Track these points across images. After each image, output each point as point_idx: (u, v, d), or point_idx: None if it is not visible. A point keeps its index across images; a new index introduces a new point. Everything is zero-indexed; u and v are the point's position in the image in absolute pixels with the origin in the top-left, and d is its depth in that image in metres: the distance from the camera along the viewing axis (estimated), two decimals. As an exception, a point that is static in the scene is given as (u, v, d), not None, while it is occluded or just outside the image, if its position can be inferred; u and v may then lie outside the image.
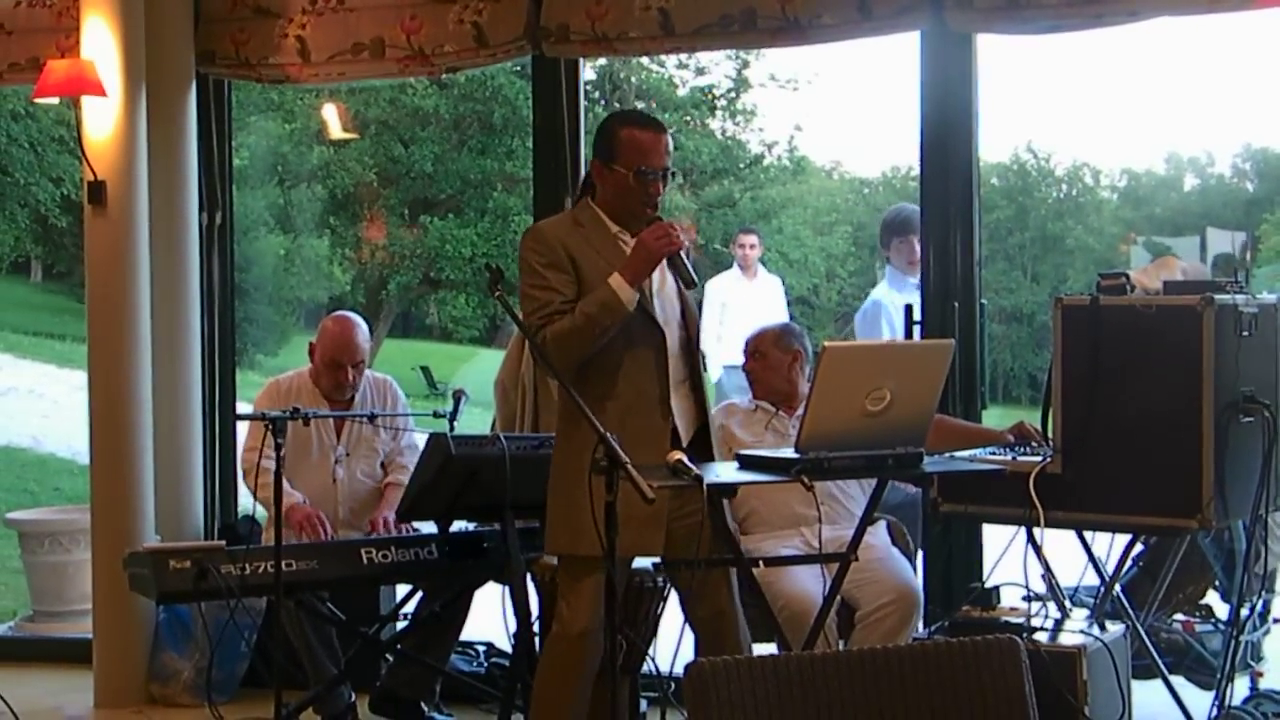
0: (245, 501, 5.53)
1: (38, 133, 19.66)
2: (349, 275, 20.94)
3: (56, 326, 19.46)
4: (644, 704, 4.85)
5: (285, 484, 4.77)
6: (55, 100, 5.30)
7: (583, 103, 5.28)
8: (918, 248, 5.20)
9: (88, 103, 5.13)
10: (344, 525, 4.94)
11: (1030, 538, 3.83)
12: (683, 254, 3.59)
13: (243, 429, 5.08)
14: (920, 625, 4.37)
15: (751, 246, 8.33)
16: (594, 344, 3.53)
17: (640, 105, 21.92)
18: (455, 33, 5.16)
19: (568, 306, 3.56)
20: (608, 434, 3.09)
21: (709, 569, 3.64)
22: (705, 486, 3.20)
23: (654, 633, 4.15)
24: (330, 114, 17.55)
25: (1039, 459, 3.80)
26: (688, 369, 3.73)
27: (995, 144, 25.12)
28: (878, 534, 4.50)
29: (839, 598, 3.95)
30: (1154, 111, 31.24)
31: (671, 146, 3.72)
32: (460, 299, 20.80)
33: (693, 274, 3.62)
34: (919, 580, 4.51)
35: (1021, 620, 3.75)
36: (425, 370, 18.37)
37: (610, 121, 3.76)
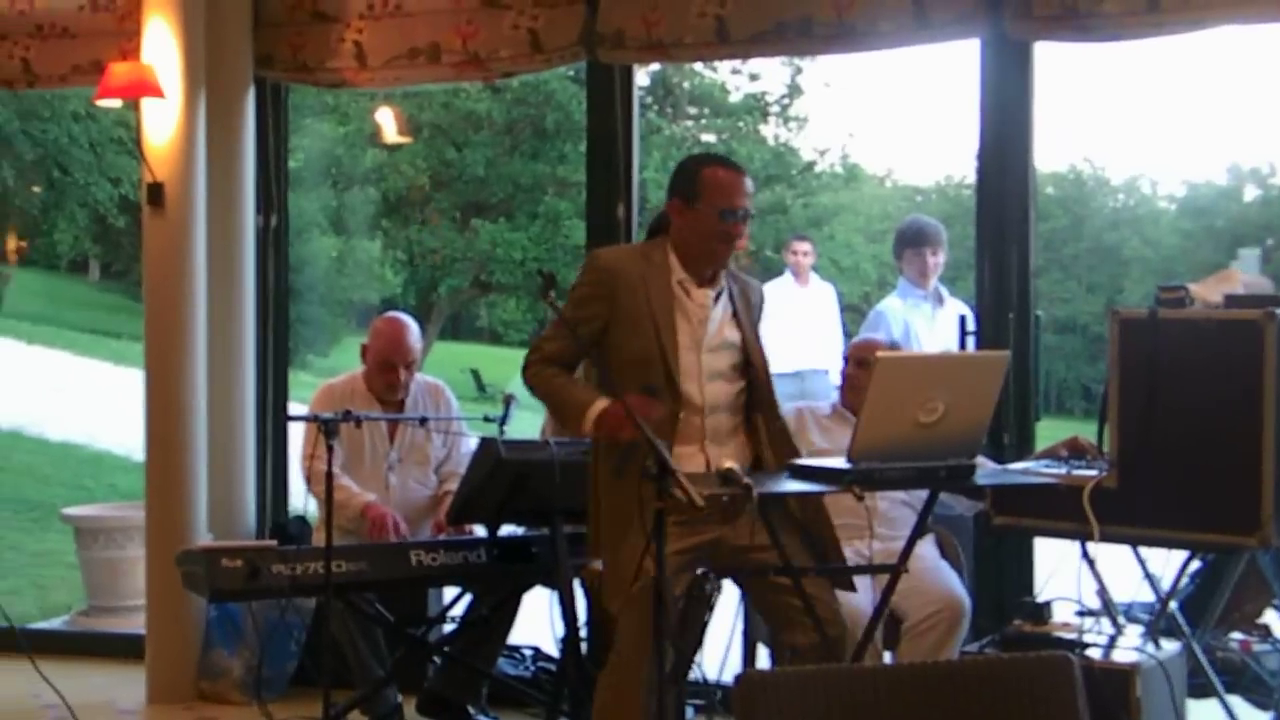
0: (296, 501, 5.57)
1: (97, 134, 19.95)
2: (400, 277, 21.07)
3: (113, 325, 19.73)
4: (690, 711, 4.84)
5: (353, 484, 4.80)
6: (116, 103, 5.35)
7: (636, 108, 5.27)
8: (929, 260, 5.47)
9: (148, 105, 5.19)
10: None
11: (1084, 552, 3.79)
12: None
13: (297, 436, 5.09)
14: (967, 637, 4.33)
15: (805, 253, 8.27)
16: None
17: (693, 111, 21.94)
18: (511, 38, 5.18)
19: (572, 348, 3.57)
20: (657, 441, 3.08)
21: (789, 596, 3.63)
22: (755, 496, 3.18)
23: (701, 641, 4.13)
24: (384, 117, 17.66)
25: (1094, 473, 3.76)
26: (737, 421, 3.66)
27: (1052, 153, 24.97)
28: (926, 545, 4.45)
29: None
30: (1214, 121, 30.93)
31: (751, 189, 3.69)
32: (510, 302, 20.91)
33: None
34: (967, 592, 4.46)
35: (1074, 636, 3.71)
36: (475, 373, 18.46)
37: (691, 162, 3.73)
